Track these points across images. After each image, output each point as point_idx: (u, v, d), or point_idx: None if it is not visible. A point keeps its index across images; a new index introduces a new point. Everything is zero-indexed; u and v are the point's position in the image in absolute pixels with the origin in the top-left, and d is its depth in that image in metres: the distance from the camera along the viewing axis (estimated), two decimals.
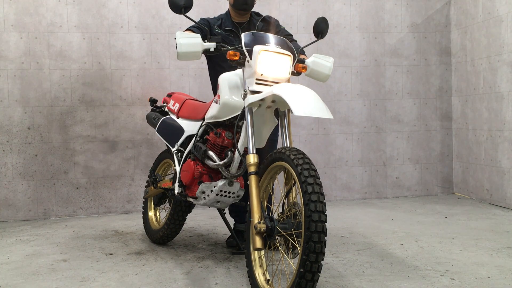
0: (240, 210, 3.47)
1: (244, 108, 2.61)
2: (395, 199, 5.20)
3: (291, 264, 2.36)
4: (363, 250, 3.29)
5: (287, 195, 2.45)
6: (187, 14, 2.78)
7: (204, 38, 3.10)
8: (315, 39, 2.96)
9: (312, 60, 2.91)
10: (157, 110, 3.68)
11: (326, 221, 2.13)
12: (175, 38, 2.72)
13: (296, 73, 2.87)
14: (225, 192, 2.89)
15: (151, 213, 3.75)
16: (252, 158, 2.45)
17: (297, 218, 2.28)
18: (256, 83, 2.55)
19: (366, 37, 5.18)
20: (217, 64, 3.41)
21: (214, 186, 2.87)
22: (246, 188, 2.95)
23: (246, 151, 2.75)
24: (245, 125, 2.66)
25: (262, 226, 2.27)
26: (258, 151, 2.66)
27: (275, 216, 2.39)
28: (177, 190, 3.09)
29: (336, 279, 2.73)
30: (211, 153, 2.88)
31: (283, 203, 2.46)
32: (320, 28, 2.91)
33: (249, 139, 2.51)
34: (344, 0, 5.12)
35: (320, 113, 2.28)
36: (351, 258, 3.12)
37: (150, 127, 4.69)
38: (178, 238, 3.72)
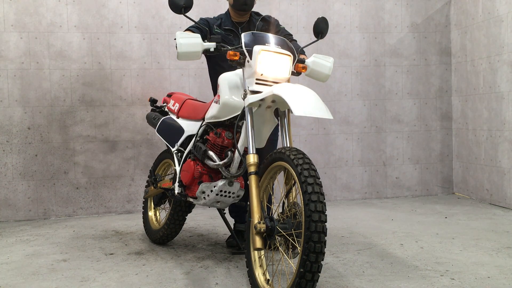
0: (240, 210, 3.47)
1: (244, 108, 2.61)
2: (395, 199, 5.20)
3: (291, 264, 2.36)
4: (363, 250, 3.29)
5: (287, 195, 2.45)
6: (187, 14, 2.78)
7: (204, 38, 3.10)
8: (315, 39, 2.96)
9: (312, 60, 2.91)
10: (157, 110, 3.68)
11: (326, 221, 2.13)
12: (174, 39, 2.72)
13: (296, 73, 2.87)
14: (225, 192, 2.89)
15: (151, 213, 3.75)
16: (252, 158, 2.45)
17: (297, 218, 2.28)
18: (256, 83, 2.56)
19: (366, 37, 5.18)
20: (217, 64, 3.41)
21: (214, 186, 2.87)
22: (246, 188, 2.95)
23: (246, 151, 2.75)
24: (245, 125, 2.66)
25: (262, 226, 2.27)
26: (258, 151, 2.66)
27: (275, 216, 2.39)
28: (177, 190, 3.09)
29: (336, 279, 2.73)
30: (211, 153, 2.88)
31: (283, 203, 2.46)
32: (320, 28, 2.91)
33: (249, 139, 2.51)
34: (344, 0, 5.12)
35: (320, 113, 2.28)
36: (351, 258, 3.12)
37: (150, 127, 4.69)
38: (178, 238, 3.72)
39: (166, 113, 3.58)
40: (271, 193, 2.66)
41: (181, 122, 3.28)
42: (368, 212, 4.54)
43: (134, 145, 4.75)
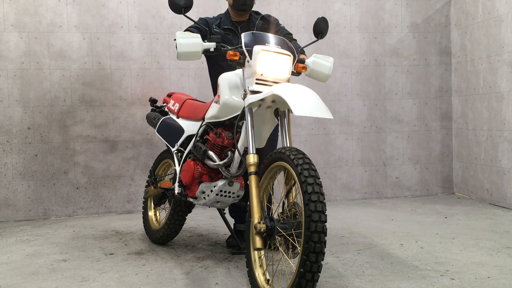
0: (240, 210, 3.47)
1: (244, 108, 2.61)
2: (395, 199, 5.20)
3: (291, 264, 2.36)
4: (363, 250, 3.29)
5: (287, 195, 2.45)
6: (187, 14, 2.78)
7: (203, 38, 3.10)
8: (315, 39, 2.96)
9: (312, 60, 2.91)
10: (157, 110, 3.68)
11: (326, 221, 2.13)
12: (174, 39, 2.72)
13: (296, 73, 2.87)
14: (225, 192, 2.89)
15: (151, 213, 3.75)
16: (252, 158, 2.46)
17: (297, 218, 2.28)
18: (256, 83, 2.56)
19: (366, 37, 5.18)
20: (217, 64, 3.41)
21: (214, 186, 2.87)
22: (246, 188, 2.95)
23: (246, 151, 2.75)
24: (245, 125, 2.66)
25: (262, 226, 2.27)
26: (258, 151, 2.66)
27: (275, 216, 2.39)
28: (177, 190, 3.09)
29: (336, 279, 2.73)
30: (211, 153, 2.88)
31: (283, 203, 2.46)
32: (320, 28, 2.91)
33: (249, 139, 2.51)
34: (344, 0, 5.12)
35: (320, 113, 2.28)
36: (351, 258, 3.12)
37: (150, 127, 4.69)
38: (178, 238, 3.72)
39: (166, 113, 3.58)
40: (271, 193, 2.66)
41: (181, 122, 3.28)
42: (368, 212, 4.54)
43: (134, 145, 4.75)
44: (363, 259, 3.09)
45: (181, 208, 3.36)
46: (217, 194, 2.88)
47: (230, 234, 3.56)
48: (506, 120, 4.52)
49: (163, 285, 2.69)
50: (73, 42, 4.62)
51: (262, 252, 2.53)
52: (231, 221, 3.63)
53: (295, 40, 3.39)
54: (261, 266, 2.53)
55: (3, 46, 4.49)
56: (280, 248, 2.36)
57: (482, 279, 2.68)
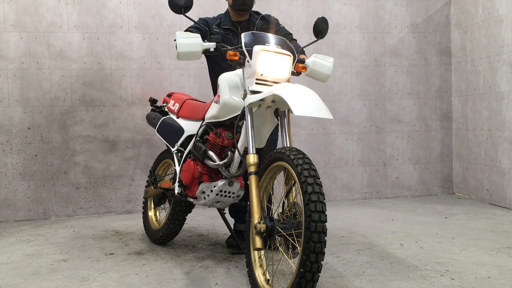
0: (240, 210, 3.47)
1: (244, 108, 2.61)
2: (395, 199, 5.20)
3: (291, 264, 2.36)
4: (363, 250, 3.29)
5: (287, 195, 2.45)
6: (187, 14, 2.78)
7: (203, 38, 3.10)
8: (315, 39, 2.96)
9: (312, 60, 2.91)
10: (157, 110, 3.68)
11: (326, 221, 2.13)
12: (174, 40, 2.72)
13: (296, 73, 2.87)
14: (225, 192, 2.89)
15: (151, 213, 3.75)
16: (252, 158, 2.46)
17: (297, 218, 2.28)
18: (256, 83, 2.56)
19: (366, 37, 5.18)
20: (217, 64, 3.41)
21: (214, 186, 2.87)
22: (246, 188, 2.95)
23: (246, 151, 2.75)
24: (245, 125, 2.66)
25: (262, 226, 2.27)
26: (258, 151, 2.66)
27: (275, 216, 2.39)
28: (177, 190, 3.09)
29: (336, 279, 2.73)
30: (211, 153, 2.88)
31: (283, 203, 2.46)
32: (320, 28, 2.91)
33: (249, 139, 2.51)
34: (344, 0, 5.12)
35: (320, 113, 2.28)
36: (351, 258, 3.12)
37: (150, 127, 4.69)
38: (178, 238, 3.72)
39: (166, 113, 3.58)
40: (271, 193, 2.66)
41: (181, 122, 3.28)
42: (368, 212, 4.54)
43: (134, 145, 4.75)
44: (363, 259, 3.09)
45: (181, 208, 3.36)
46: (217, 194, 2.89)
47: (230, 234, 3.56)
48: (506, 120, 4.52)
49: (163, 285, 2.69)
50: (73, 42, 4.62)
51: (262, 252, 2.53)
52: (231, 221, 3.63)
53: (295, 40, 3.39)
54: (261, 266, 2.53)
55: (3, 46, 4.49)
56: (280, 248, 2.36)
57: (482, 279, 2.68)
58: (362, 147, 5.19)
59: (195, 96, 4.70)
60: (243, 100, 2.60)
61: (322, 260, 2.12)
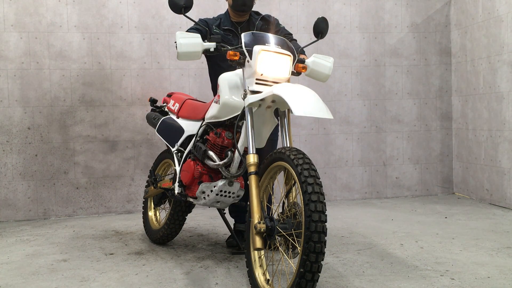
0: (240, 210, 3.47)
1: (244, 108, 2.61)
2: (395, 199, 5.20)
3: (291, 264, 2.36)
4: (363, 250, 3.29)
5: (287, 195, 2.45)
6: (187, 14, 2.78)
7: (203, 39, 3.10)
8: (315, 39, 2.96)
9: (312, 60, 2.91)
10: (157, 110, 3.68)
11: (326, 221, 2.13)
12: (175, 42, 2.72)
13: (296, 73, 2.87)
14: (225, 192, 2.89)
15: (151, 213, 3.75)
16: (252, 158, 2.46)
17: (297, 218, 2.28)
18: (256, 83, 2.56)
19: (366, 37, 5.18)
20: (217, 64, 3.41)
21: (214, 186, 2.87)
22: (246, 188, 2.95)
23: (246, 151, 2.75)
24: (245, 125, 2.66)
25: (262, 226, 2.28)
26: (258, 151, 2.66)
27: (275, 216, 2.39)
28: (177, 190, 3.09)
29: (336, 279, 2.73)
30: (211, 153, 2.88)
31: (283, 203, 2.46)
32: (320, 28, 2.91)
33: (249, 139, 2.51)
34: (344, 0, 5.12)
35: (320, 113, 2.29)
36: (351, 258, 3.12)
37: (150, 127, 4.69)
38: (178, 238, 3.72)
39: (166, 113, 3.58)
40: (271, 193, 2.66)
41: (181, 122, 3.28)
42: (368, 212, 4.54)
43: (134, 145, 4.75)
44: (363, 259, 3.10)
45: (181, 208, 3.36)
46: (217, 194, 2.88)
47: (230, 234, 3.56)
48: (506, 120, 4.52)
49: (163, 285, 2.69)
50: (73, 42, 4.62)
51: (262, 252, 2.53)
52: (231, 221, 3.63)
53: (295, 40, 3.39)
54: (261, 266, 2.53)
55: (3, 46, 4.49)
56: (280, 248, 2.36)
57: (482, 279, 2.68)
58: (362, 147, 5.19)
59: (195, 96, 4.70)
60: (243, 100, 2.60)
61: (322, 260, 2.12)
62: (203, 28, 3.21)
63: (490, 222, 4.03)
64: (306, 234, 2.10)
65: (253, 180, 2.41)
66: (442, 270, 2.84)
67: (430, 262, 2.99)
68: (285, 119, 2.66)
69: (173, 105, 3.48)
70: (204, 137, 3.05)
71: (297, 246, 2.24)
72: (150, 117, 3.61)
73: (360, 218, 4.30)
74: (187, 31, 3.27)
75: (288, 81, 2.64)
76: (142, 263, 3.12)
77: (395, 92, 5.25)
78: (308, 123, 5.06)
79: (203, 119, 3.06)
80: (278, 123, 2.98)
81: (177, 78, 4.82)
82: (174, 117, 3.41)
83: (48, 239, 3.80)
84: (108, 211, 4.71)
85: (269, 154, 2.50)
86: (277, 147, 3.27)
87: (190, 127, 3.19)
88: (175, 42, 2.70)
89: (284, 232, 2.28)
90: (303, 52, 3.12)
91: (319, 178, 2.20)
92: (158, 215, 3.75)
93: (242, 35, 2.66)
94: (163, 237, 3.47)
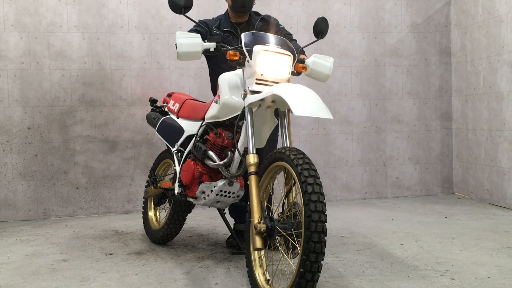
0: (240, 210, 3.47)
1: (244, 108, 2.61)
2: (395, 199, 5.20)
3: (291, 264, 2.36)
4: (363, 250, 3.29)
5: (287, 195, 2.45)
6: (187, 14, 2.78)
7: (203, 39, 3.10)
8: (315, 39, 2.96)
9: (312, 60, 2.91)
10: (157, 110, 3.68)
11: (326, 221, 2.13)
12: (175, 44, 2.72)
13: (296, 73, 2.87)
14: (225, 192, 2.89)
15: (151, 213, 3.75)
16: (252, 158, 2.46)
17: (297, 218, 2.28)
18: (256, 83, 2.56)
19: (366, 37, 5.18)
20: (217, 65, 3.41)
21: (214, 186, 2.87)
22: (246, 188, 2.95)
23: (246, 151, 2.75)
24: (245, 125, 2.66)
25: (262, 226, 2.28)
26: (258, 151, 2.66)
27: (275, 216, 2.39)
28: (177, 190, 3.09)
29: (336, 279, 2.73)
30: (211, 153, 2.88)
31: (283, 203, 2.46)
32: (320, 28, 2.91)
33: (249, 139, 2.51)
34: (344, 0, 5.12)
35: (320, 113, 2.29)
36: (351, 258, 3.12)
37: (150, 127, 4.69)
38: (178, 238, 3.72)
39: (166, 113, 3.58)
40: (271, 193, 2.66)
41: (181, 122, 3.28)
42: (368, 212, 4.54)
43: (134, 145, 4.75)
44: (363, 259, 3.09)
45: (181, 208, 3.36)
46: (217, 194, 2.89)
47: (230, 234, 3.56)
48: (506, 120, 4.52)
49: (163, 285, 2.69)
50: (73, 42, 4.62)
51: (262, 252, 2.53)
52: (231, 221, 3.63)
53: (295, 40, 3.39)
54: (261, 266, 2.53)
55: (3, 46, 4.49)
56: (280, 248, 2.36)
57: (482, 279, 2.68)
58: (362, 147, 5.19)
59: (195, 96, 4.70)
60: (243, 100, 2.60)
61: (322, 260, 2.12)
62: (203, 29, 3.21)
63: (490, 222, 4.03)
64: (306, 234, 2.10)
65: (253, 180, 2.41)
66: (442, 270, 2.84)
67: (430, 262, 2.99)
68: (285, 119, 2.66)
69: (173, 105, 3.48)
70: (204, 137, 3.05)
71: (297, 246, 2.24)
72: (150, 117, 3.61)
73: (360, 218, 4.30)
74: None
75: (288, 81, 2.64)
76: (142, 263, 3.12)
77: (395, 92, 5.25)
78: (308, 123, 5.06)
79: (203, 119, 3.06)
80: (278, 123, 2.98)
81: (177, 78, 4.82)
82: (174, 117, 3.41)
83: (48, 239, 3.80)
84: (108, 211, 4.71)
85: (269, 154, 2.50)
86: (277, 147, 3.27)
87: (190, 127, 3.19)
88: (175, 44, 2.70)
89: (284, 232, 2.28)
90: (303, 52, 3.12)
91: (319, 178, 2.20)
92: (158, 215, 3.75)
93: (242, 35, 2.66)
94: (163, 237, 3.47)
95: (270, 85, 2.55)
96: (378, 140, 5.23)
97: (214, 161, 2.86)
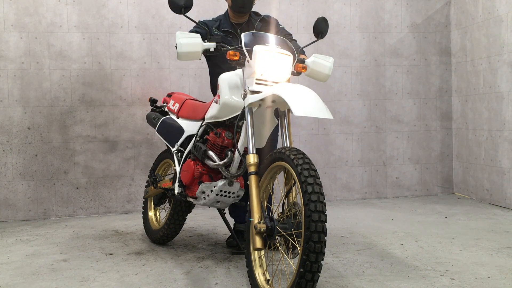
0: (240, 210, 3.47)
1: (244, 108, 2.61)
2: (395, 199, 5.20)
3: (291, 264, 2.36)
4: (363, 250, 3.29)
5: (287, 195, 2.45)
6: (187, 14, 2.78)
7: (203, 39, 3.10)
8: (315, 39, 2.96)
9: (312, 60, 2.91)
10: (157, 110, 3.68)
11: (326, 221, 2.13)
12: (175, 46, 2.72)
13: (296, 73, 2.87)
14: (225, 192, 2.89)
15: (151, 213, 3.75)
16: (252, 158, 2.46)
17: (297, 218, 2.28)
18: (256, 83, 2.56)
19: (366, 37, 5.18)
20: (217, 65, 3.41)
21: (214, 186, 2.87)
22: (246, 188, 2.95)
23: (246, 151, 2.75)
24: (245, 125, 2.66)
25: (262, 226, 2.28)
26: (258, 151, 2.67)
27: (275, 216, 2.39)
28: (177, 190, 3.09)
29: (336, 279, 2.73)
30: (211, 153, 2.88)
31: (283, 203, 2.46)
32: (320, 28, 2.91)
33: (249, 139, 2.51)
34: (344, 0, 5.12)
35: (320, 113, 2.29)
36: (351, 258, 3.12)
37: (150, 127, 4.69)
38: (178, 238, 3.72)
39: (166, 113, 3.58)
40: (271, 193, 2.66)
41: (181, 122, 3.28)
42: (368, 212, 4.54)
43: (134, 145, 4.75)
44: (363, 259, 3.10)
45: (181, 208, 3.36)
46: (217, 194, 2.89)
47: (230, 234, 3.56)
48: (506, 120, 4.52)
49: (163, 285, 2.69)
50: (73, 42, 4.62)
51: (262, 252, 2.53)
52: (231, 221, 3.63)
53: (295, 40, 3.39)
54: (261, 266, 2.53)
55: (3, 46, 4.49)
56: (280, 248, 2.36)
57: (482, 279, 2.68)
58: (362, 147, 5.19)
59: (195, 96, 4.70)
60: (243, 100, 2.60)
61: (322, 260, 2.12)
62: (203, 29, 3.21)
63: (490, 222, 4.03)
64: (306, 234, 2.10)
65: (253, 180, 2.41)
66: (442, 270, 2.84)
67: (430, 262, 2.99)
68: (285, 119, 2.66)
69: (173, 105, 3.48)
70: (204, 137, 3.05)
71: (297, 246, 2.25)
72: (150, 117, 3.61)
73: (360, 218, 4.30)
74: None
75: (288, 81, 2.64)
76: (142, 263, 3.12)
77: (395, 92, 5.25)
78: (308, 123, 5.06)
79: (203, 119, 3.06)
80: (278, 123, 2.98)
81: (177, 78, 4.82)
82: (174, 117, 3.41)
83: (48, 239, 3.80)
84: (108, 211, 4.71)
85: (269, 154, 2.50)
86: (277, 147, 3.27)
87: (190, 127, 3.19)
88: (176, 46, 2.70)
89: (284, 232, 2.28)
90: (303, 52, 3.12)
91: (319, 178, 2.20)
92: (158, 215, 3.75)
93: (242, 35, 2.66)
94: (163, 237, 3.47)
95: (270, 85, 2.55)
96: (378, 140, 5.23)
97: (214, 161, 2.86)
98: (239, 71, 2.79)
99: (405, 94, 5.27)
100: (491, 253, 3.15)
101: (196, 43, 2.70)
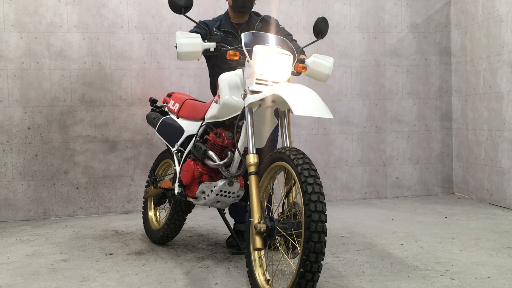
0: (240, 210, 3.47)
1: (244, 108, 2.61)
2: (395, 199, 5.20)
3: (291, 264, 2.36)
4: (363, 250, 3.29)
5: (287, 195, 2.45)
6: (187, 14, 2.78)
7: (204, 39, 3.10)
8: (315, 39, 2.96)
9: (312, 60, 2.91)
10: (157, 110, 3.68)
11: (326, 221, 2.13)
12: (175, 46, 2.72)
13: (296, 73, 2.87)
14: (225, 192, 2.89)
15: (151, 213, 3.75)
16: (252, 158, 2.46)
17: (297, 218, 2.28)
18: (256, 83, 2.56)
19: (366, 37, 5.18)
20: (217, 66, 3.40)
21: (214, 186, 2.87)
22: (246, 188, 2.95)
23: (246, 151, 2.75)
24: (245, 125, 2.66)
25: (262, 226, 2.28)
26: (258, 151, 2.66)
27: (275, 216, 2.39)
28: (177, 190, 3.09)
29: (336, 279, 2.73)
30: (211, 153, 2.88)
31: (283, 203, 2.46)
32: (320, 28, 2.91)
33: (249, 139, 2.51)
34: (344, 0, 5.12)
35: (320, 113, 2.29)
36: (351, 258, 3.12)
37: (150, 127, 4.69)
38: (178, 238, 3.72)
39: (166, 113, 3.58)
40: (271, 193, 2.66)
41: (181, 122, 3.28)
42: (368, 212, 4.54)
43: (134, 145, 4.75)
44: (363, 259, 3.10)
45: (181, 208, 3.36)
46: (217, 194, 2.89)
47: (230, 234, 3.56)
48: (506, 120, 4.52)
49: (163, 285, 2.69)
50: (73, 42, 4.62)
51: (262, 252, 2.53)
52: (231, 221, 3.63)
53: (295, 40, 3.39)
54: (261, 266, 2.53)
55: (3, 46, 4.49)
56: (280, 248, 2.36)
57: (482, 279, 2.68)
58: (362, 147, 5.19)
59: (195, 96, 4.70)
60: (243, 100, 2.60)
61: (322, 260, 2.12)
62: (203, 29, 3.21)
63: (490, 222, 4.03)
64: (306, 234, 2.10)
65: (253, 180, 2.41)
66: (442, 270, 2.84)
67: (430, 262, 2.99)
68: (285, 119, 2.66)
69: (173, 105, 3.48)
70: (204, 137, 3.05)
71: (297, 246, 2.25)
72: (150, 117, 3.62)
73: (360, 218, 4.30)
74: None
75: (288, 81, 2.64)
76: (142, 263, 3.12)
77: (395, 92, 5.25)
78: (308, 123, 5.06)
79: (203, 119, 3.06)
80: (278, 123, 2.98)
81: (177, 78, 4.82)
82: (174, 117, 3.41)
83: (48, 239, 3.80)
84: (108, 211, 4.71)
85: (269, 154, 2.50)
86: (277, 147, 3.27)
87: (190, 127, 3.19)
88: (175, 46, 2.70)
89: (284, 232, 2.28)
90: (303, 52, 3.12)
91: (319, 178, 2.20)
92: (158, 215, 3.75)
93: (242, 35, 2.66)
94: (163, 237, 3.47)
95: (270, 85, 2.55)
96: (378, 140, 5.23)
97: (214, 161, 2.86)
98: (239, 71, 2.79)
99: (405, 94, 5.27)
100: (491, 253, 3.15)
101: (196, 43, 2.71)
